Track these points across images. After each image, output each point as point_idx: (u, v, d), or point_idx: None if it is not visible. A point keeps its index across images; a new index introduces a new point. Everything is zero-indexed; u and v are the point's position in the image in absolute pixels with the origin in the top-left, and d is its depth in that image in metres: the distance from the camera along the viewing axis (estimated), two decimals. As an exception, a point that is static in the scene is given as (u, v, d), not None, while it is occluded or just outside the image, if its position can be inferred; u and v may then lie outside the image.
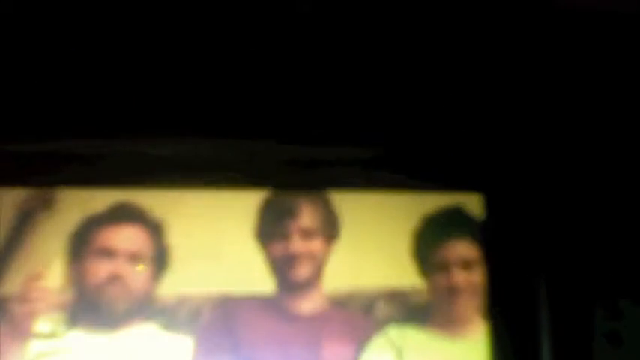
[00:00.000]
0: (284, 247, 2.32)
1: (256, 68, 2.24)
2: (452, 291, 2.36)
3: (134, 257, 2.23)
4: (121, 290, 2.21)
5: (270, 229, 2.33)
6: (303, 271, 2.32)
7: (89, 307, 2.20)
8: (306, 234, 2.33)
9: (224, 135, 2.25)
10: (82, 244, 2.22)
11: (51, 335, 2.17)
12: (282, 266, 2.32)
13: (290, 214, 2.33)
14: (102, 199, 2.24)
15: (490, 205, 2.38)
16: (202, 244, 2.28)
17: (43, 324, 2.17)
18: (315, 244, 2.34)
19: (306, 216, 2.34)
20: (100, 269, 2.21)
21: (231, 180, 2.28)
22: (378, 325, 2.33)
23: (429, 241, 2.38)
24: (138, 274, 2.22)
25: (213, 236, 2.29)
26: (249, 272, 2.30)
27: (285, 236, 2.32)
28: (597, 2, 2.18)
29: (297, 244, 2.32)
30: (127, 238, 2.24)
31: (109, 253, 2.22)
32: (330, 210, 2.36)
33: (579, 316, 2.35)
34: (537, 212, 2.37)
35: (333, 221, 2.36)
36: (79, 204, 2.23)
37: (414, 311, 2.35)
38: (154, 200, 2.27)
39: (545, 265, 2.35)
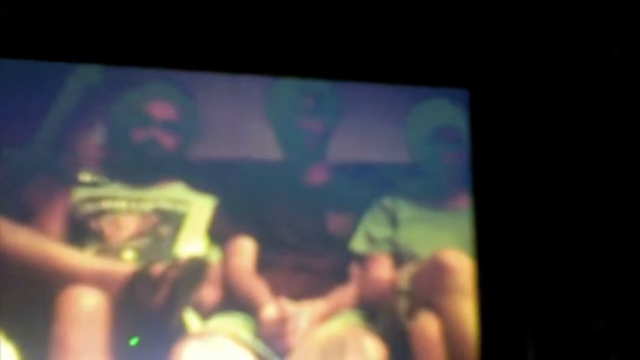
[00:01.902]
0: (291, 125, 2.69)
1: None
2: (440, 168, 2.72)
3: (169, 125, 2.59)
4: (156, 151, 2.57)
5: (280, 109, 2.70)
6: (307, 146, 2.69)
7: (128, 163, 2.56)
8: (310, 114, 2.70)
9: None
10: (125, 112, 2.59)
11: (93, 184, 2.52)
12: (289, 142, 2.68)
13: (297, 98, 2.71)
14: (145, 75, 2.63)
15: (474, 99, 2.76)
16: (225, 118, 2.65)
17: (87, 175, 2.52)
18: (318, 124, 2.71)
19: (312, 100, 2.72)
20: (138, 133, 2.57)
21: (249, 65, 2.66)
22: (376, 196, 2.68)
23: (420, 126, 2.75)
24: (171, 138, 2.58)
25: (233, 113, 2.66)
26: (264, 145, 2.66)
27: (290, 115, 2.70)
28: None
29: (302, 123, 2.69)
30: (163, 108, 2.61)
31: (148, 120, 2.59)
32: (333, 96, 2.74)
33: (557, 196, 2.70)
34: (519, 107, 2.74)
35: (334, 106, 2.73)
36: (125, 80, 2.62)
37: (407, 185, 2.71)
38: (187, 78, 2.64)
39: (527, 151, 2.71)
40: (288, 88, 2.72)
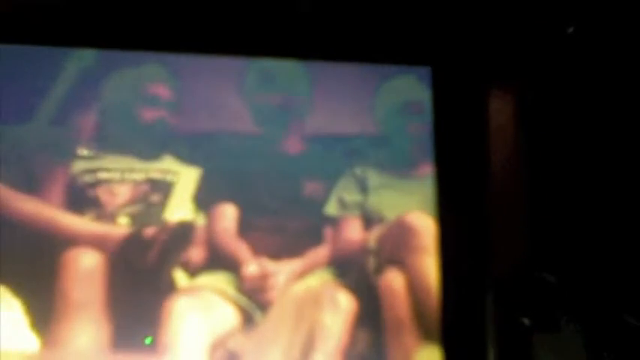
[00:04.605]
0: (264, 100, 2.96)
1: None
2: (405, 139, 2.98)
3: (166, 103, 2.88)
4: (160, 129, 2.85)
5: (253, 86, 2.97)
6: (281, 117, 2.96)
7: (123, 138, 2.83)
8: (267, 89, 2.96)
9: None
10: (123, 92, 2.86)
11: (90, 158, 2.79)
12: (263, 116, 2.95)
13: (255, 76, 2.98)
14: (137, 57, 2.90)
15: (436, 76, 3.01)
16: (206, 96, 2.91)
17: (84, 149, 2.79)
18: (277, 98, 2.96)
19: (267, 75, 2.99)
20: (145, 112, 2.85)
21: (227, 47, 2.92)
22: (347, 166, 2.95)
23: (387, 101, 3.01)
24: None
25: (214, 91, 2.92)
26: (242, 120, 2.93)
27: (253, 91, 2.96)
28: None
29: (262, 98, 2.96)
30: (159, 88, 2.88)
31: (153, 99, 2.86)
32: (301, 73, 3.01)
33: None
34: (476, 82, 3.00)
35: (301, 82, 3.00)
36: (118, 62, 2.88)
37: (376, 155, 2.97)
38: (174, 60, 2.91)
39: (484, 122, 2.96)
40: (253, 67, 2.98)
